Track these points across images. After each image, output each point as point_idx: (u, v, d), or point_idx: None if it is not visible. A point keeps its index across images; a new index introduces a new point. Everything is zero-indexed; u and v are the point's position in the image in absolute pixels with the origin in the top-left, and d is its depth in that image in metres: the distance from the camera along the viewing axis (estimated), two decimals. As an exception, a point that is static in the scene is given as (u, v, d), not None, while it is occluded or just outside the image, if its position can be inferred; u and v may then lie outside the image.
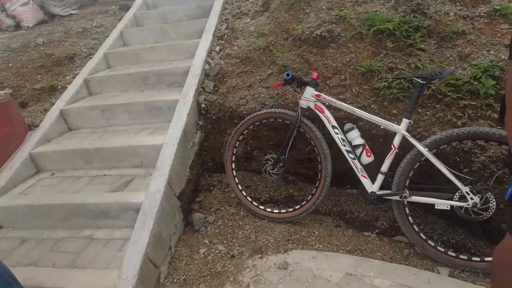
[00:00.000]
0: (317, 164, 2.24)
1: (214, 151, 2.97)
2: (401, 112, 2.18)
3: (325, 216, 2.42)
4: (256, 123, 2.39)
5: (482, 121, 1.98)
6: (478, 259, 1.81)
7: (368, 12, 2.62)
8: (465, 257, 1.83)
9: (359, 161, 2.04)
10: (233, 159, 2.53)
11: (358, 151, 2.03)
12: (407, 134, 1.88)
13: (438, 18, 2.37)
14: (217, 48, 3.41)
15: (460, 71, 2.11)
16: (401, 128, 1.90)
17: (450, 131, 1.78)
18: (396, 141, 1.92)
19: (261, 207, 2.46)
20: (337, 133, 2.09)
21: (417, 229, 1.93)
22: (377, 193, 1.98)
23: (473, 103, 2.01)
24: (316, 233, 2.25)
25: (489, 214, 1.72)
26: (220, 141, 2.92)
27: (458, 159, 1.94)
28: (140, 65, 3.68)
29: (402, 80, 2.18)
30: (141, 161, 2.61)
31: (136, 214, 2.09)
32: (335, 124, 2.10)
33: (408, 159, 1.89)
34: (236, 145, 2.50)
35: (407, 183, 1.92)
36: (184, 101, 2.79)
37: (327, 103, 2.13)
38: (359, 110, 2.03)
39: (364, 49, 2.50)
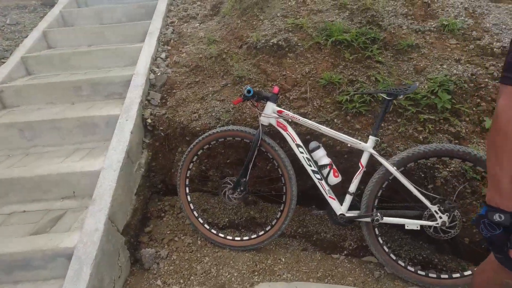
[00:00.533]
0: (281, 185, 2.06)
1: (164, 172, 2.63)
2: (364, 127, 2.11)
3: (291, 239, 2.26)
4: (212, 142, 2.13)
5: (441, 135, 1.99)
6: (446, 276, 1.79)
7: (324, 21, 2.54)
8: (434, 275, 1.81)
9: (326, 182, 1.91)
10: (187, 182, 2.24)
11: (325, 171, 1.90)
12: (375, 153, 1.80)
13: (392, 31, 2.37)
14: (163, 55, 3.07)
15: (417, 85, 2.11)
16: (368, 146, 1.81)
17: (417, 148, 1.74)
18: (364, 160, 1.83)
19: (220, 234, 2.20)
20: (302, 152, 1.94)
21: (387, 250, 1.86)
22: (347, 215, 1.87)
23: (432, 117, 2.01)
24: (283, 259, 2.07)
25: (457, 232, 1.71)
26: (171, 160, 2.60)
27: (422, 175, 1.92)
28: (70, 72, 3.16)
29: (363, 95, 2.11)
30: (73, 191, 2.17)
31: (68, 262, 1.69)
32: (299, 142, 1.94)
33: (376, 178, 1.81)
34: (190, 167, 2.21)
35: (375, 203, 1.84)
36: (127, 117, 2.41)
37: (290, 120, 1.97)
38: (325, 127, 1.90)
39: (323, 60, 2.40)
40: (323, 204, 2.20)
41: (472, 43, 2.23)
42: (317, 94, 2.29)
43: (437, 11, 2.46)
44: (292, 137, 1.95)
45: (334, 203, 1.91)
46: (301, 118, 1.94)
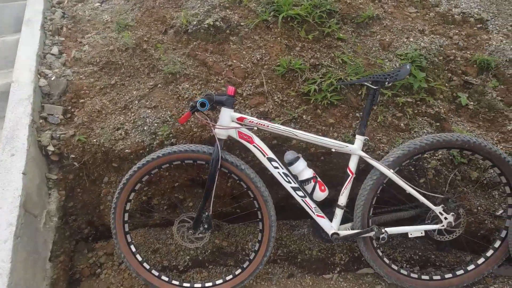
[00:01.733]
0: (254, 209, 1.63)
1: (88, 211, 1.96)
2: (338, 120, 1.77)
3: (272, 266, 1.87)
4: (152, 171, 1.56)
5: (420, 119, 1.78)
6: (450, 275, 1.64)
7: (269, -7, 2.05)
8: (438, 277, 1.64)
9: (311, 199, 1.54)
10: (127, 228, 1.64)
11: (309, 186, 1.52)
12: (365, 155, 1.48)
13: (348, 1, 2.02)
14: (55, 50, 2.23)
15: (388, 63, 1.84)
16: (356, 148, 1.48)
17: (412, 143, 1.47)
18: (353, 165, 1.50)
19: (185, 284, 1.69)
20: (276, 167, 1.51)
21: (388, 262, 1.62)
22: (341, 234, 1.55)
23: (410, 99, 1.77)
24: (270, 297, 1.70)
25: (461, 231, 1.54)
26: (96, 194, 1.93)
27: (412, 169, 1.69)
28: None
29: (332, 81, 1.75)
30: None
31: None
32: (272, 155, 1.51)
33: (370, 184, 1.50)
34: (127, 208, 1.61)
35: (370, 213, 1.56)
36: (11, 150, 1.65)
37: (255, 128, 1.50)
38: (301, 132, 1.49)
39: (275, 42, 1.95)
40: (300, 213, 1.87)
41: (431, 10, 2.04)
42: (276, 86, 1.85)
43: (389, -25, 2.18)
44: (261, 150, 1.50)
45: (323, 222, 1.56)
46: (269, 123, 1.49)
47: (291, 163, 1.51)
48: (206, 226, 1.56)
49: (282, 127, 1.49)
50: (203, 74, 1.91)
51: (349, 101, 1.79)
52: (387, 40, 1.92)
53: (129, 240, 1.64)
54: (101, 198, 1.92)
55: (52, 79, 2.00)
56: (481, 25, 1.99)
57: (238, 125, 1.49)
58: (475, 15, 2.00)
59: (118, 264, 1.90)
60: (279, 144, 1.76)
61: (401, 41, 1.91)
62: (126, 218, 1.61)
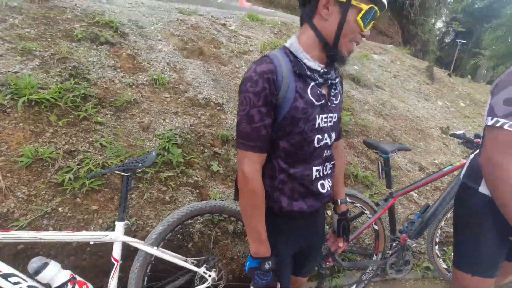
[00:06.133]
0: None
1: None
2: (104, 205, 1.72)
3: None
4: None
5: (183, 189, 2.02)
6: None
7: (4, 73, 1.82)
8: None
9: (73, 304, 1.35)
10: None
11: (67, 291, 1.34)
12: (128, 239, 1.49)
13: (105, 86, 2.11)
14: None
15: (148, 143, 2.01)
16: (118, 235, 1.46)
17: (170, 218, 1.61)
18: (117, 252, 1.46)
19: None
20: (17, 283, 1.24)
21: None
22: (114, 332, 1.42)
23: (171, 174, 1.99)
24: None
25: (225, 281, 1.79)
26: None
27: (180, 237, 1.85)
28: None
29: (91, 167, 1.70)
30: None
31: None
32: (8, 270, 1.23)
33: (137, 267, 1.50)
34: None
35: (144, 294, 1.54)
36: None
37: (-22, 242, 1.20)
38: (48, 233, 1.31)
39: (16, 129, 1.71)
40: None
41: (182, 95, 2.45)
42: (19, 180, 1.59)
43: (144, 64, 2.48)
44: (-10, 268, 1.20)
45: (92, 326, 1.39)
46: (1, 232, 1.23)
47: (38, 271, 1.28)
48: None
49: (20, 233, 1.26)
50: None
51: (113, 183, 1.79)
52: (146, 122, 2.12)
53: None
54: None
55: None
56: (219, 107, 2.60)
57: None
58: (214, 100, 2.59)
59: None
60: (27, 248, 1.48)
61: (158, 122, 2.16)
62: None
